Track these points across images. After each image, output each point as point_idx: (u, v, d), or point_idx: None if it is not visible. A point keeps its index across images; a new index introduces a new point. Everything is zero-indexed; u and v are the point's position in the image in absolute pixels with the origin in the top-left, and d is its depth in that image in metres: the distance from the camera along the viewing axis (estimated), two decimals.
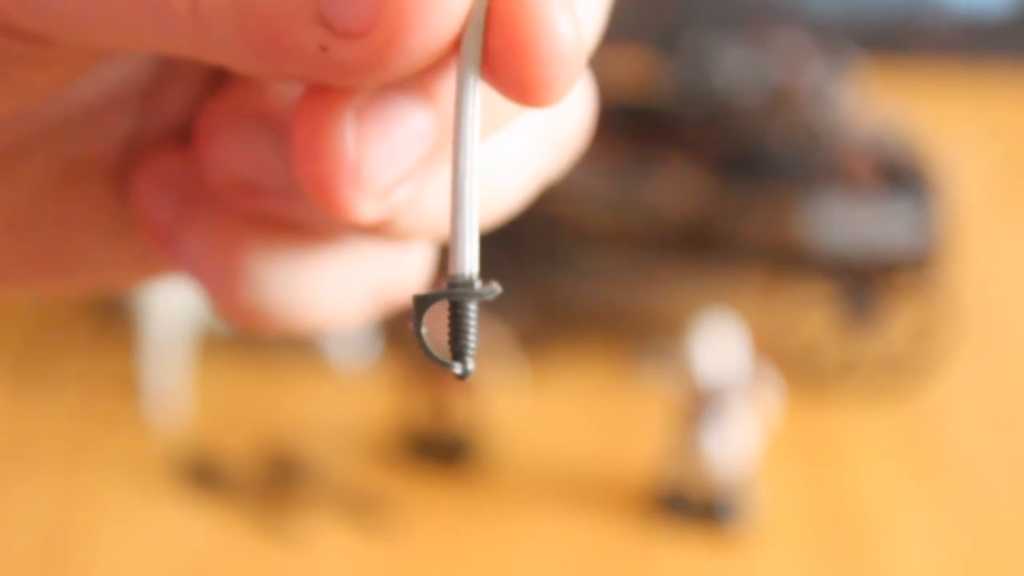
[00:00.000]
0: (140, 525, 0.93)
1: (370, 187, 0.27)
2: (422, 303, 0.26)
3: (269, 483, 0.96)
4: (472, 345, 0.26)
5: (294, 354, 1.06)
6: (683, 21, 1.28)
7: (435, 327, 0.26)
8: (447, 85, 0.27)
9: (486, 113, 0.26)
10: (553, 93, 0.25)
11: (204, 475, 0.96)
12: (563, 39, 0.24)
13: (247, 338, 1.07)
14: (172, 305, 1.01)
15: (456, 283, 0.26)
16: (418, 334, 0.26)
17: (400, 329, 1.03)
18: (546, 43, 0.24)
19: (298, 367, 1.06)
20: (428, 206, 0.29)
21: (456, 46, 0.25)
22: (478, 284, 0.26)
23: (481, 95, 0.25)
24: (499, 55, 0.24)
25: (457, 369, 0.26)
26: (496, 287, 0.26)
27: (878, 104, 1.15)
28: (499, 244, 1.04)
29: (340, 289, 0.32)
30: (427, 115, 0.27)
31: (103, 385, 1.04)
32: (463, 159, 0.25)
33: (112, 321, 1.07)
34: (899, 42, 1.45)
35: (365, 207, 0.27)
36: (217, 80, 0.32)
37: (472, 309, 0.26)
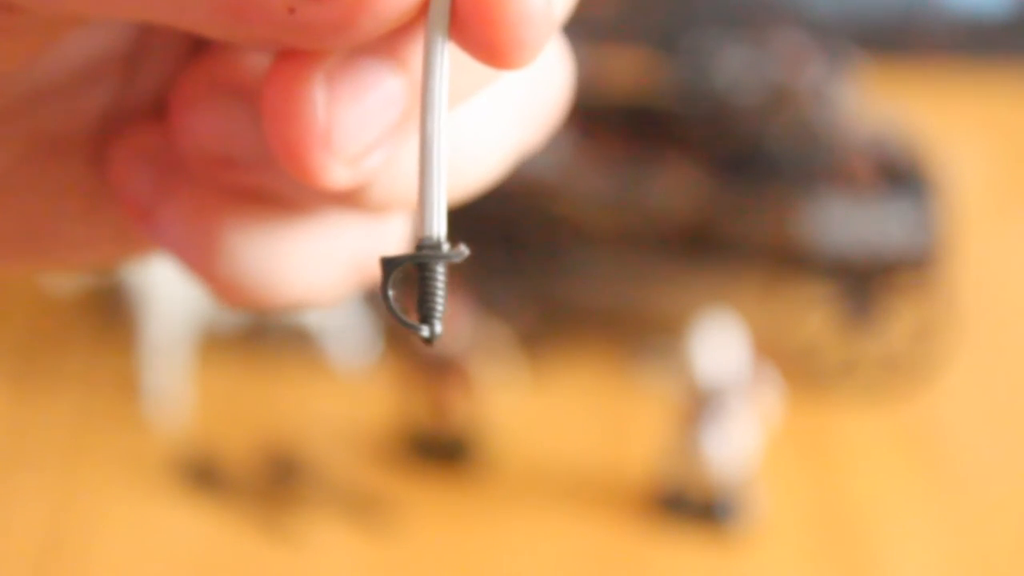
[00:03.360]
0: (140, 525, 0.93)
1: (341, 152, 0.27)
2: (389, 265, 0.26)
3: (269, 483, 0.96)
4: (440, 308, 0.26)
5: (294, 354, 1.06)
6: (683, 21, 1.28)
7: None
8: (419, 49, 0.26)
9: (458, 77, 0.26)
10: (522, 55, 0.24)
11: (204, 475, 0.96)
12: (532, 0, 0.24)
13: (247, 337, 1.07)
14: (172, 305, 1.01)
15: (424, 245, 0.26)
16: (385, 297, 0.26)
17: (399, 330, 1.03)
18: (515, 4, 0.24)
19: (298, 367, 1.06)
20: (403, 175, 0.29)
21: (425, 7, 0.25)
22: (446, 247, 0.26)
23: (452, 58, 0.25)
24: (467, 16, 0.24)
25: (424, 332, 0.26)
26: (464, 250, 0.26)
27: (878, 104, 1.15)
28: (499, 244, 1.04)
29: (318, 262, 0.32)
30: (399, 79, 0.27)
31: (103, 385, 1.04)
32: (431, 121, 0.25)
33: (112, 321, 1.07)
34: (899, 42, 1.45)
35: (336, 173, 0.27)
36: (195, 52, 0.32)
37: (440, 272, 0.26)
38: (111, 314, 1.08)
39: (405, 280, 0.26)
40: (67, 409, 1.02)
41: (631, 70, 1.15)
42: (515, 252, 1.04)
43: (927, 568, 0.91)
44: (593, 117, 1.07)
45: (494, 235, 1.02)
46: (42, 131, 0.31)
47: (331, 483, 0.96)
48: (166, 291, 1.01)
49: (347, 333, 1.05)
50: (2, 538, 0.92)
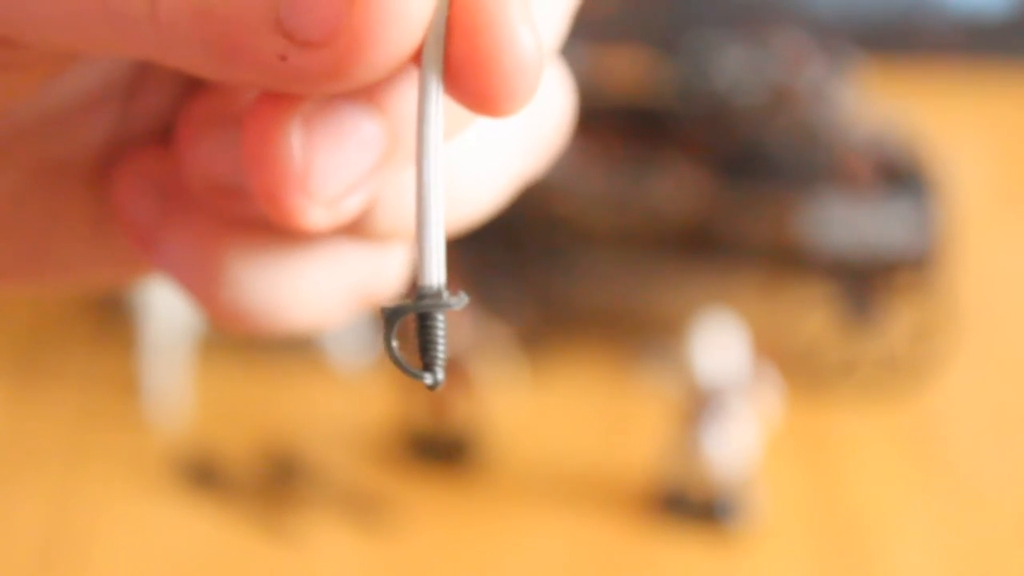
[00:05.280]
0: (140, 525, 0.93)
1: (318, 195, 0.27)
2: (391, 315, 0.26)
3: (269, 483, 0.96)
4: (441, 356, 0.26)
5: (294, 354, 1.06)
6: (683, 21, 1.28)
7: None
8: (396, 92, 0.27)
9: (446, 117, 0.26)
10: (512, 104, 0.25)
11: (204, 475, 0.96)
12: (524, 51, 0.24)
13: (245, 338, 1.07)
14: (172, 305, 1.01)
15: (424, 295, 0.26)
16: (388, 345, 0.26)
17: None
18: (507, 55, 0.24)
19: (298, 367, 1.06)
20: (404, 206, 0.29)
21: (415, 57, 0.25)
22: (446, 295, 0.26)
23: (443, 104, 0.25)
24: (459, 66, 0.24)
25: (427, 380, 0.26)
26: (464, 297, 0.26)
27: (878, 104, 1.15)
28: (499, 244, 1.04)
29: (320, 289, 0.32)
30: (376, 123, 0.27)
31: (103, 385, 1.04)
32: (427, 170, 0.25)
33: (112, 321, 1.07)
34: (899, 42, 1.45)
35: (314, 215, 0.27)
36: (197, 81, 0.32)
37: (441, 320, 0.26)
38: (111, 314, 1.08)
39: (405, 324, 0.26)
40: (67, 409, 1.02)
41: (631, 70, 1.15)
42: (515, 252, 1.04)
43: (927, 568, 0.91)
44: (593, 117, 1.06)
45: (494, 235, 1.02)
46: (45, 157, 0.32)
47: (331, 483, 0.96)
48: (166, 291, 1.01)
49: (347, 333, 1.05)
50: (2, 538, 0.92)
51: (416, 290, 0.26)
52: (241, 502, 0.94)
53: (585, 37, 1.12)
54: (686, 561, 0.91)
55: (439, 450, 0.98)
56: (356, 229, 0.29)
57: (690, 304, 1.04)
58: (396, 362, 0.26)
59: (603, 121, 1.07)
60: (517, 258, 1.05)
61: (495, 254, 1.04)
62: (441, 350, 0.26)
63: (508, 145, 0.31)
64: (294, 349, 1.06)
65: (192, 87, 0.32)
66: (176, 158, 0.31)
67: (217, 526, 0.93)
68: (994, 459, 1.01)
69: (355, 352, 1.06)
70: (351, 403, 1.03)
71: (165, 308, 1.01)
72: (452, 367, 0.97)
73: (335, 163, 0.27)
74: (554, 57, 0.30)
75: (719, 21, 1.25)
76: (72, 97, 0.31)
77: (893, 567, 0.91)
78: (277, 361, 1.06)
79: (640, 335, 1.06)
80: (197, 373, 1.04)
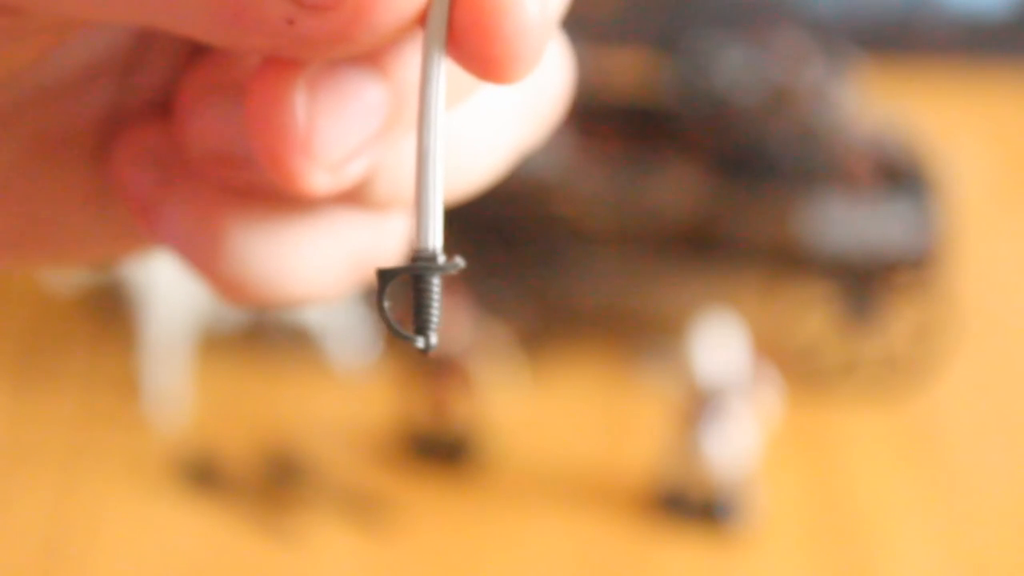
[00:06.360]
0: (140, 525, 0.93)
1: (321, 159, 0.27)
2: (385, 277, 0.26)
3: (269, 483, 0.96)
4: (435, 320, 0.26)
5: (294, 354, 1.06)
6: (683, 21, 1.28)
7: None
8: (401, 58, 0.27)
9: (449, 84, 0.26)
10: (518, 69, 0.25)
11: (204, 475, 0.96)
12: (529, 14, 0.24)
13: (247, 337, 1.07)
14: (172, 305, 1.01)
15: (420, 257, 0.26)
16: (381, 308, 0.26)
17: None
18: (512, 18, 0.24)
19: (298, 367, 1.06)
20: (404, 173, 0.29)
21: (420, 20, 0.25)
22: (441, 258, 0.26)
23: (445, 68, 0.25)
24: (464, 30, 0.24)
25: (420, 343, 0.26)
26: (460, 261, 0.26)
27: (878, 104, 1.15)
28: (499, 244, 1.04)
29: (320, 258, 0.32)
30: (381, 88, 0.27)
31: (103, 385, 1.04)
32: (427, 135, 0.25)
33: (112, 321, 1.07)
34: (899, 42, 1.45)
35: (317, 179, 0.27)
36: (196, 52, 0.32)
37: (435, 284, 0.26)
38: (111, 314, 1.08)
39: (401, 289, 0.26)
40: (67, 408, 1.02)
41: (631, 70, 1.15)
42: (515, 252, 1.04)
43: (926, 568, 0.91)
44: (593, 117, 1.07)
45: (494, 235, 1.02)
46: (45, 130, 0.31)
47: (331, 483, 0.96)
48: (166, 291, 1.01)
49: (347, 333, 1.05)
50: (2, 537, 0.92)
51: (412, 253, 0.26)
52: (241, 502, 0.94)
53: (585, 37, 1.12)
54: (686, 561, 0.91)
55: (439, 450, 0.98)
56: (356, 197, 0.30)
57: (690, 304, 1.04)
58: (388, 324, 0.26)
59: (603, 121, 1.07)
60: (517, 258, 1.05)
61: (494, 254, 1.04)
62: (435, 314, 0.26)
63: (507, 114, 0.31)
64: (294, 349, 1.06)
65: (191, 58, 0.32)
66: (175, 128, 0.31)
67: (217, 526, 0.93)
68: (994, 459, 1.01)
69: (355, 352, 1.06)
70: (351, 403, 1.04)
71: (165, 308, 1.01)
72: (452, 367, 0.97)
73: (339, 127, 0.27)
74: (557, 27, 0.30)
75: (719, 21, 1.25)
76: (72, 68, 0.31)
77: (893, 567, 0.91)
78: (277, 361, 1.06)
79: (640, 335, 1.06)
80: (197, 373, 1.04)
